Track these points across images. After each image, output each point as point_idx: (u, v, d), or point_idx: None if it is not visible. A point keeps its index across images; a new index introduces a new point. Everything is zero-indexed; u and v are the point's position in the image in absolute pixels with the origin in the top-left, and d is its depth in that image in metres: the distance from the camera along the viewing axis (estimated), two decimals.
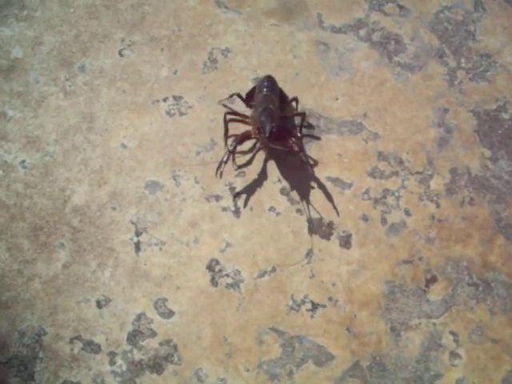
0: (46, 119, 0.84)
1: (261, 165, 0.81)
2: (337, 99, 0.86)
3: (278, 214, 0.80)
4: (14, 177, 0.80)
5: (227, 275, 0.76)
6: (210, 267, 0.77)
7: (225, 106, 0.83)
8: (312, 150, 0.83)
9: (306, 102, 0.86)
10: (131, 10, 0.90)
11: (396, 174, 0.83)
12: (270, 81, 0.81)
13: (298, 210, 0.80)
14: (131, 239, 0.77)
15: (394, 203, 0.81)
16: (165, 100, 0.85)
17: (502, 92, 0.90)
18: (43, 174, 0.80)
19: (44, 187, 0.80)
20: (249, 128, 0.77)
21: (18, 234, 0.77)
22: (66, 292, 0.75)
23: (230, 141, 0.78)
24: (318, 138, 0.83)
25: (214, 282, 0.76)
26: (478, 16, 0.95)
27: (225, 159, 0.74)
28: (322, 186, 0.81)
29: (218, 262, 0.77)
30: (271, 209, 0.80)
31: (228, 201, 0.80)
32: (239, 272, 0.77)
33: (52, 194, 0.79)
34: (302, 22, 0.90)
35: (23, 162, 0.81)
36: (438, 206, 0.82)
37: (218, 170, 0.77)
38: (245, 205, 0.79)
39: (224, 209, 0.79)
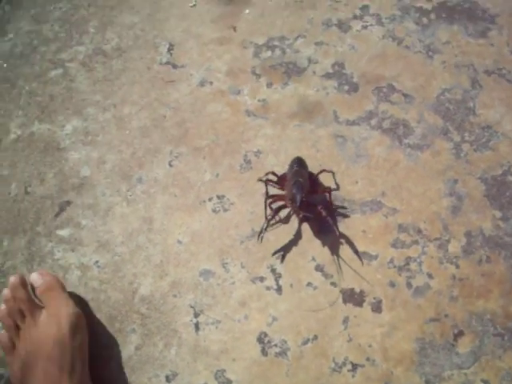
0: (113, 225, 1.08)
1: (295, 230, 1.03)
2: (357, 183, 1.08)
3: (315, 288, 0.99)
4: (90, 275, 1.04)
5: (275, 345, 0.96)
6: (259, 339, 0.96)
7: (263, 180, 1.04)
8: (340, 229, 1.03)
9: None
10: (176, 127, 1.17)
11: (416, 242, 1.02)
12: (299, 160, 1.04)
13: (332, 283, 0.99)
14: (191, 320, 0.98)
15: (417, 268, 1.00)
16: (210, 200, 1.08)
17: (505, 158, 1.09)
18: (114, 271, 1.04)
19: (115, 282, 1.03)
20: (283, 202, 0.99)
21: (96, 323, 0.99)
22: (139, 370, 0.96)
23: (268, 211, 1.00)
24: (347, 216, 1.04)
25: (264, 352, 0.95)
26: (475, 93, 1.17)
27: (264, 227, 0.98)
28: (351, 260, 1.01)
29: (266, 335, 0.97)
30: (308, 284, 1.00)
31: (271, 281, 1.00)
32: (285, 342, 0.96)
33: (122, 288, 1.02)
34: (320, 120, 1.14)
35: (97, 262, 1.05)
36: (457, 266, 1.00)
37: (259, 236, 1.00)
38: (282, 260, 1.01)
39: (268, 288, 1.00)
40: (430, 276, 0.98)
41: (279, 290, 0.98)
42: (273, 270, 0.99)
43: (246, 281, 0.99)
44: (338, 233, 1.02)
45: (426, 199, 1.04)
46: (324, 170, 1.06)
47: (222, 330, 0.96)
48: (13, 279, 0.90)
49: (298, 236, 1.04)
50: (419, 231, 1.01)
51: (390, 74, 1.18)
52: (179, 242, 1.03)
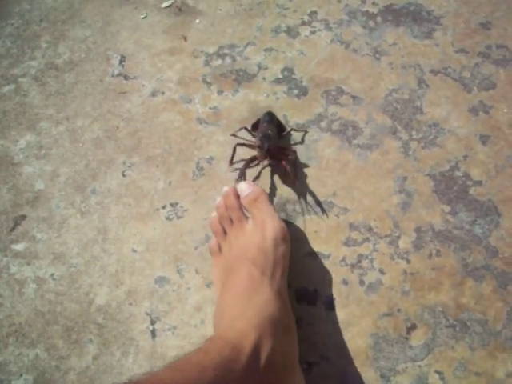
0: (68, 237, 1.10)
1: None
2: (308, 184, 1.11)
3: None
4: (46, 288, 1.05)
5: None
6: None
7: (235, 136, 1.12)
8: (291, 230, 1.06)
9: (283, 191, 1.10)
10: (129, 137, 1.19)
11: (367, 240, 1.05)
12: (269, 115, 1.11)
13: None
14: (147, 328, 1.00)
15: (368, 265, 1.03)
16: (164, 207, 1.10)
17: (452, 154, 1.13)
18: (70, 283, 1.05)
19: (71, 294, 1.04)
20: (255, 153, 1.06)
21: (53, 335, 1.00)
22: (97, 380, 0.96)
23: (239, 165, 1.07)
24: (310, 171, 1.09)
25: None
26: (422, 92, 1.21)
27: (241, 171, 1.04)
28: (304, 259, 1.03)
29: None
30: None
31: None
32: None
33: (78, 299, 1.04)
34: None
35: (52, 274, 1.06)
36: (408, 261, 1.03)
37: (237, 180, 1.05)
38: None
39: None
40: (381, 272, 1.00)
41: None
42: None
43: (201, 286, 1.01)
44: (296, 184, 1.10)
45: (376, 197, 1.07)
46: (293, 129, 1.13)
47: (179, 336, 0.97)
48: (227, 188, 0.96)
49: (273, 188, 1.11)
50: (370, 229, 1.04)
51: (339, 77, 1.21)
52: (134, 250, 1.05)
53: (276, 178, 1.10)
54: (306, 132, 1.16)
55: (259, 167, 1.12)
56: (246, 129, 1.12)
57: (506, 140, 1.12)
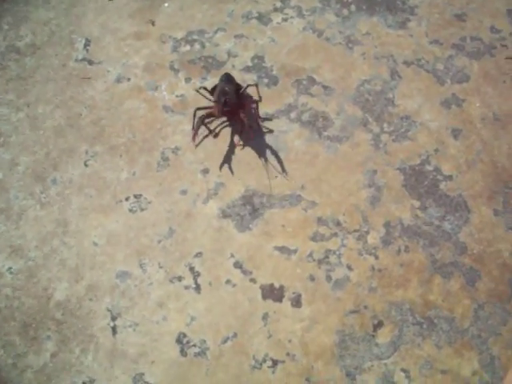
0: (26, 229, 1.05)
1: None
2: (276, 177, 1.08)
3: (234, 285, 0.99)
4: (3, 282, 1.01)
5: (194, 345, 0.95)
6: (178, 340, 0.95)
7: (198, 91, 1.13)
8: (259, 224, 1.03)
9: (249, 183, 1.07)
10: (92, 125, 1.14)
11: (335, 235, 1.03)
12: (227, 76, 1.12)
13: (252, 280, 0.99)
14: (108, 324, 0.97)
15: (336, 261, 1.01)
16: (127, 199, 1.07)
17: (423, 147, 1.11)
18: (28, 277, 1.01)
19: (29, 288, 1.00)
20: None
21: (10, 332, 0.96)
22: (55, 378, 0.93)
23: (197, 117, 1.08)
24: (271, 130, 1.12)
25: (183, 353, 0.95)
26: (394, 84, 1.18)
27: (195, 126, 1.06)
28: (270, 255, 1.01)
29: (185, 335, 0.96)
30: (227, 282, 0.99)
31: (189, 280, 0.99)
32: (205, 341, 0.95)
33: (37, 294, 1.00)
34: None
35: (10, 268, 1.02)
36: (376, 257, 1.01)
37: (193, 137, 1.07)
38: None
39: (186, 287, 0.99)
40: (349, 268, 0.99)
41: (198, 288, 0.98)
42: (191, 269, 0.99)
43: (163, 281, 0.98)
44: (253, 138, 1.10)
45: (345, 191, 1.05)
46: (249, 85, 1.14)
47: (140, 333, 0.95)
48: None
49: (231, 147, 1.11)
50: (338, 223, 1.02)
51: (310, 66, 1.18)
52: (95, 243, 1.01)
53: (244, 163, 1.07)
54: (256, 85, 1.17)
55: (219, 128, 1.14)
56: (205, 89, 1.12)
57: (478, 134, 1.11)
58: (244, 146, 1.08)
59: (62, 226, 1.03)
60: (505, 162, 1.07)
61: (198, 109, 1.09)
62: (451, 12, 1.27)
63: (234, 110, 1.06)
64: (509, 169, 1.07)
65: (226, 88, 1.06)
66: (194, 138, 1.05)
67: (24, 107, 1.16)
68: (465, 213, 1.03)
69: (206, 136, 1.10)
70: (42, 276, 0.99)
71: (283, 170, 1.06)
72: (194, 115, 1.09)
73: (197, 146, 1.07)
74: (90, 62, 1.21)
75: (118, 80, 1.18)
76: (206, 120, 1.05)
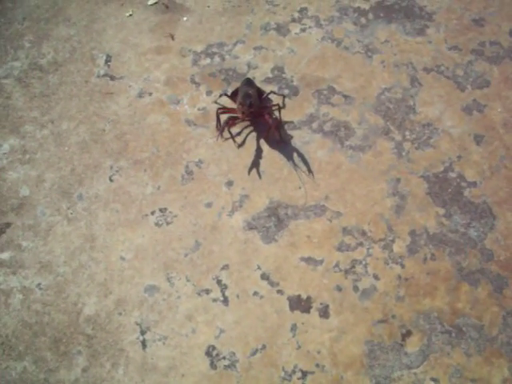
0: (54, 245, 1.07)
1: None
2: (300, 188, 1.08)
3: (261, 297, 0.99)
4: (33, 298, 1.02)
5: (224, 358, 0.95)
6: (208, 353, 0.96)
7: (217, 103, 1.14)
8: (284, 236, 1.04)
9: (273, 194, 1.07)
10: (116, 140, 1.16)
11: (361, 244, 1.03)
12: (248, 80, 1.13)
13: (279, 291, 1.00)
14: (137, 338, 0.97)
15: (362, 271, 1.01)
16: (152, 213, 1.07)
17: (446, 154, 1.11)
18: (57, 293, 1.02)
19: (59, 304, 1.01)
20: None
21: (41, 347, 0.98)
22: None
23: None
24: (295, 128, 1.13)
25: (213, 366, 0.95)
26: (415, 91, 1.18)
27: (222, 126, 1.07)
28: (296, 266, 1.01)
29: (214, 348, 0.96)
30: (255, 293, 1.00)
31: (217, 292, 1.00)
32: (234, 353, 0.96)
33: (66, 309, 1.01)
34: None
35: (39, 284, 1.03)
36: (402, 266, 1.01)
37: (217, 137, 1.10)
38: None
39: (214, 300, 1.00)
40: (376, 277, 0.98)
41: (226, 301, 0.98)
42: (218, 282, 0.99)
43: (191, 294, 0.99)
44: (280, 139, 1.13)
45: (370, 200, 1.05)
46: (272, 92, 1.16)
47: (170, 346, 0.95)
48: None
49: (259, 151, 1.13)
50: (364, 233, 1.02)
51: (330, 76, 1.18)
52: (122, 258, 1.02)
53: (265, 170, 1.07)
54: (284, 96, 1.17)
55: (244, 134, 1.15)
56: (226, 95, 1.14)
57: (501, 140, 1.10)
58: (271, 144, 1.13)
59: (89, 241, 1.04)
60: None
61: (220, 109, 1.11)
62: (469, 17, 1.27)
63: (258, 112, 1.07)
64: None
65: (250, 91, 1.07)
66: (221, 134, 1.09)
67: (48, 124, 1.17)
68: (490, 219, 1.03)
69: (232, 138, 1.13)
70: (71, 291, 1.00)
71: (307, 180, 1.06)
72: (217, 116, 1.11)
73: (225, 139, 1.13)
74: (112, 78, 1.22)
75: (140, 95, 1.19)
76: (230, 123, 1.07)
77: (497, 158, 1.08)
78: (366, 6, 1.28)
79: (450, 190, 1.05)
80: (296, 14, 1.28)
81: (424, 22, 1.26)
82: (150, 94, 1.19)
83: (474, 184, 1.05)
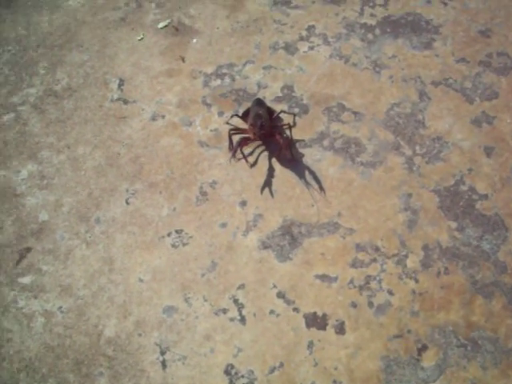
0: (74, 268, 1.09)
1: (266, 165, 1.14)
2: (313, 205, 1.10)
3: (277, 315, 1.01)
4: (55, 321, 1.05)
5: (242, 376, 0.97)
6: (227, 372, 0.98)
7: (229, 123, 1.16)
8: (298, 254, 1.05)
9: (287, 213, 1.09)
10: (131, 164, 1.18)
11: (374, 260, 1.04)
12: (258, 100, 1.15)
13: (295, 309, 1.01)
14: (157, 359, 0.99)
15: (377, 287, 1.02)
16: (169, 235, 1.10)
17: (457, 167, 1.12)
18: (78, 315, 1.05)
19: (80, 326, 1.04)
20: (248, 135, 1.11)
21: (64, 369, 1.00)
22: None
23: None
24: (306, 146, 1.11)
25: None
26: (424, 105, 1.20)
27: (235, 147, 1.09)
28: (311, 284, 1.03)
29: (233, 366, 0.98)
30: (271, 312, 1.01)
31: (234, 312, 1.02)
32: (252, 372, 0.97)
33: (87, 331, 1.03)
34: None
35: (60, 307, 1.06)
36: (416, 281, 1.02)
37: (231, 158, 1.13)
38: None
39: (231, 319, 1.01)
40: (390, 293, 0.99)
41: (243, 320, 1.00)
42: (235, 301, 1.01)
43: (209, 314, 1.01)
44: (292, 158, 1.14)
45: (382, 216, 1.06)
46: (283, 111, 1.18)
47: (189, 366, 0.97)
48: None
49: (271, 170, 1.14)
50: (377, 249, 1.03)
51: (339, 93, 1.20)
52: (141, 280, 1.04)
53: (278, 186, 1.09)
54: (294, 115, 1.19)
55: (256, 154, 1.17)
56: (237, 115, 1.16)
57: (511, 151, 1.11)
58: (282, 162, 1.15)
59: (107, 264, 1.06)
60: None
61: (232, 130, 1.13)
62: (475, 29, 1.28)
63: (269, 132, 1.09)
64: None
65: (260, 112, 1.09)
66: (233, 155, 1.11)
67: (65, 149, 1.20)
68: (502, 231, 1.04)
69: (244, 158, 1.15)
70: (91, 314, 1.03)
71: (319, 198, 1.08)
72: (229, 137, 1.14)
73: (238, 160, 1.15)
74: (125, 102, 1.25)
75: (153, 118, 1.21)
76: (242, 143, 1.09)
77: (507, 170, 1.09)
78: (373, 22, 1.30)
79: (461, 203, 1.06)
80: (304, 33, 1.30)
81: (431, 36, 1.27)
82: (163, 116, 1.21)
83: (486, 196, 1.06)
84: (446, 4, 1.32)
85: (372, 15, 1.31)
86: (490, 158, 1.10)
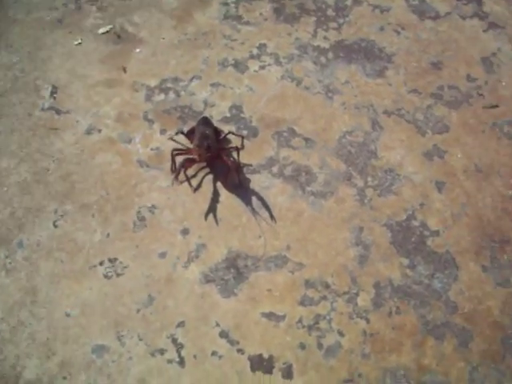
0: None
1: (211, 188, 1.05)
2: (260, 237, 1.01)
3: (220, 357, 0.91)
4: None
5: None
6: None
7: (173, 140, 1.07)
8: (244, 289, 0.96)
9: (232, 244, 1.00)
10: (60, 181, 1.05)
11: (324, 298, 0.97)
12: (205, 119, 1.06)
13: (239, 350, 0.92)
14: None
15: (326, 326, 0.95)
16: (101, 264, 0.98)
17: (409, 202, 1.07)
18: None
19: None
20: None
21: None
22: None
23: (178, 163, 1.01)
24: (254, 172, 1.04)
25: None
26: (376, 135, 1.14)
27: (178, 169, 0.98)
28: (257, 323, 0.94)
29: None
30: (213, 353, 0.92)
31: (172, 352, 0.91)
32: None
33: (3, 373, 0.89)
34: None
35: None
36: (367, 321, 0.96)
37: (173, 180, 1.02)
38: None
39: (169, 361, 0.91)
40: (340, 333, 0.93)
41: (182, 362, 0.89)
42: (174, 341, 0.91)
43: (144, 354, 0.90)
44: (240, 183, 1.06)
45: (332, 250, 0.99)
46: (231, 132, 1.08)
47: None
48: None
49: (216, 196, 1.05)
50: (327, 286, 0.96)
51: (290, 117, 1.13)
52: (67, 314, 0.92)
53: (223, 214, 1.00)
54: (242, 137, 1.11)
55: (200, 177, 1.08)
56: (182, 133, 1.06)
57: (461, 187, 1.08)
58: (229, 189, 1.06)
59: (30, 294, 0.94)
60: (489, 215, 1.04)
61: (175, 150, 1.03)
62: (427, 60, 1.25)
63: (216, 154, 1.01)
64: (493, 222, 1.04)
65: (207, 131, 1.01)
66: (176, 178, 1.01)
67: None
68: (453, 270, 1.00)
69: (188, 181, 1.05)
70: (8, 352, 0.90)
71: (267, 228, 1.00)
72: (172, 157, 1.04)
73: (181, 183, 1.06)
74: (58, 112, 1.12)
75: (89, 131, 1.10)
76: (186, 165, 1.00)
77: (458, 206, 1.05)
78: (326, 45, 1.24)
79: (413, 239, 1.01)
80: (255, 51, 1.22)
81: (384, 64, 1.23)
82: (100, 130, 1.10)
83: (437, 233, 1.02)
84: (398, 33, 1.28)
85: (325, 38, 1.25)
86: (441, 194, 1.07)
